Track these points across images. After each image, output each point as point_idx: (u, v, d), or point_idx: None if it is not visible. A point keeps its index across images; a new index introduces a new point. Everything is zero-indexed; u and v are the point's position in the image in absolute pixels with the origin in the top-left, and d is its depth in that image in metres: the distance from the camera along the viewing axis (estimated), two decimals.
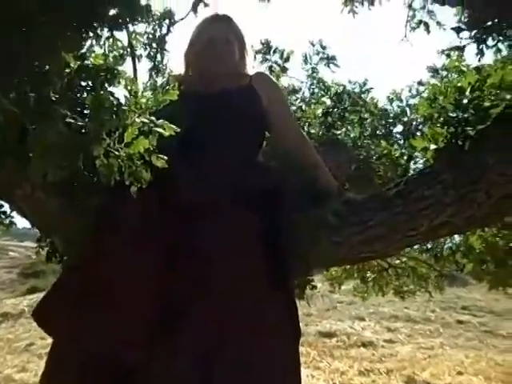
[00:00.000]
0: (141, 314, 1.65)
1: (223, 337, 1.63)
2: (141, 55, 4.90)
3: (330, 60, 4.53)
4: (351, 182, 3.49)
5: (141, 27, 4.88)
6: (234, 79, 2.54)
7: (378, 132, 3.77)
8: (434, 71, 5.39)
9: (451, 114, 2.41)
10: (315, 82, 4.36)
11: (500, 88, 2.36)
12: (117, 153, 1.47)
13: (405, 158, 3.76)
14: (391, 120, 4.37)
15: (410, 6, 3.89)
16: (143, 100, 1.53)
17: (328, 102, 3.44)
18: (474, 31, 2.15)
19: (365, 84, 4.00)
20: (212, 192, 2.10)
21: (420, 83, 5.57)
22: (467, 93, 2.40)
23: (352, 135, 3.16)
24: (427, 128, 2.58)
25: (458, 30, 2.27)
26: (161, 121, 1.51)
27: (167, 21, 5.15)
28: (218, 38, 2.50)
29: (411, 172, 3.40)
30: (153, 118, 1.51)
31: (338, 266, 3.99)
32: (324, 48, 4.63)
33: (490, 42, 2.48)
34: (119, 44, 1.79)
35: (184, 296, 1.68)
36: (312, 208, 2.43)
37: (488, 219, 2.36)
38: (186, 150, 2.20)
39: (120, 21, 1.63)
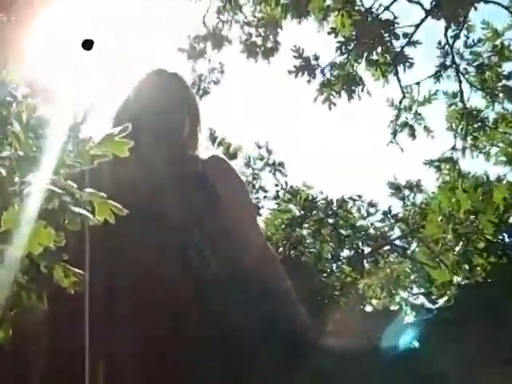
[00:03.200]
0: None
1: None
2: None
3: (276, 166, 3.90)
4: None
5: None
6: (180, 164, 1.79)
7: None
8: (396, 188, 4.85)
9: (489, 237, 1.74)
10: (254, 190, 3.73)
11: None
12: None
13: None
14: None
15: (397, 106, 3.32)
16: None
17: (295, 209, 2.69)
18: None
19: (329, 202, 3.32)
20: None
21: (371, 204, 5.02)
22: None
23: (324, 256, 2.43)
24: (450, 255, 1.88)
25: None
26: None
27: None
28: (161, 103, 1.78)
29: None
30: None
31: None
32: (270, 152, 4.00)
33: None
34: None
35: None
36: (287, 361, 1.65)
37: None
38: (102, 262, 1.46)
39: None
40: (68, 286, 1.01)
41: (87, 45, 1.79)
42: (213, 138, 3.69)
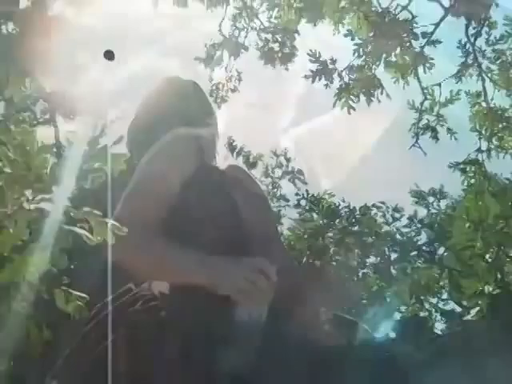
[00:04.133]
0: None
1: None
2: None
3: (295, 174, 3.82)
4: None
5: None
6: (198, 174, 1.71)
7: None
8: (419, 196, 4.70)
9: None
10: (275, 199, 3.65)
11: None
12: None
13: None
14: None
15: (418, 108, 3.22)
16: None
17: (317, 218, 2.61)
18: None
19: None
20: None
21: (396, 209, 4.86)
22: None
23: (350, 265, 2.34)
24: (480, 262, 1.79)
25: None
26: None
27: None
28: (177, 109, 1.71)
29: None
30: None
31: None
32: (288, 160, 3.91)
33: None
34: None
35: None
36: None
37: None
38: None
39: None
40: (72, 311, 0.95)
41: (109, 55, 1.73)
42: (232, 148, 3.61)
